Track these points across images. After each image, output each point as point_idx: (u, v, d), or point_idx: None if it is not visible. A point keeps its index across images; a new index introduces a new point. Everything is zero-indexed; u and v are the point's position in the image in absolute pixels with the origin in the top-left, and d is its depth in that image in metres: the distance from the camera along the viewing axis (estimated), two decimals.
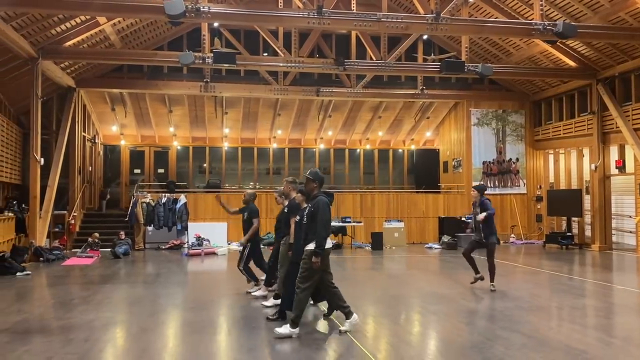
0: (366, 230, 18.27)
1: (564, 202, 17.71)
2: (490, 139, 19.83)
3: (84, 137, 18.18)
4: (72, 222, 16.58)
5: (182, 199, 17.09)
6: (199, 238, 16.12)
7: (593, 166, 16.75)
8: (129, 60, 16.34)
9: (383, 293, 9.21)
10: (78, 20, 13.68)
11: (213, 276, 12.01)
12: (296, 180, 7.84)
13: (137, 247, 16.31)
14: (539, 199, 19.49)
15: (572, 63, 16.53)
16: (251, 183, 21.74)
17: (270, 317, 6.88)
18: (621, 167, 16.05)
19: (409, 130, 22.22)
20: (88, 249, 15.00)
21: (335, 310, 6.90)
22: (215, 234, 16.51)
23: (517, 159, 19.90)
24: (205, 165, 21.66)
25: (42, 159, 14.23)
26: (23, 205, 14.97)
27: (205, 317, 7.19)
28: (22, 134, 16.57)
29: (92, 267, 12.63)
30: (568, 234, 17.18)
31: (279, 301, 7.34)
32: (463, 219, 18.48)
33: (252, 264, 8.93)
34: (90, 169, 18.91)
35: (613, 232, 16.63)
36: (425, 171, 22.46)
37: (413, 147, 23.01)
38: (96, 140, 19.66)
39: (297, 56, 15.21)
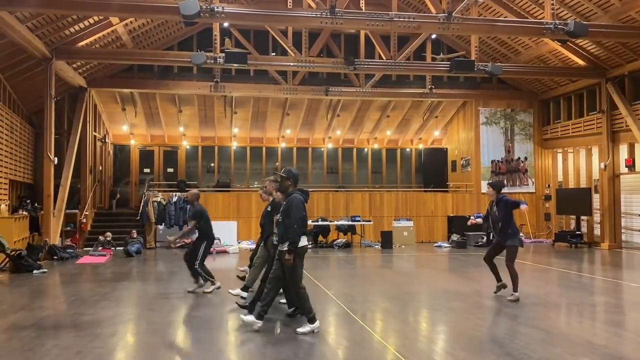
0: (375, 229, 18.35)
1: (573, 200, 17.74)
2: (499, 137, 19.88)
3: (95, 136, 18.32)
4: (84, 221, 16.71)
5: None
6: None
7: (602, 165, 16.79)
8: (140, 61, 16.48)
9: (399, 290, 9.28)
10: (91, 20, 13.80)
11: (226, 274, 12.05)
12: (278, 180, 7.89)
13: (148, 246, 16.46)
14: (547, 197, 19.53)
15: (581, 62, 16.56)
16: (257, 182, 21.81)
17: (290, 314, 6.98)
18: (631, 165, 16.09)
19: (417, 129, 22.28)
20: (100, 248, 15.16)
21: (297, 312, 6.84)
22: (226, 233, 16.65)
23: (526, 158, 19.95)
24: (212, 164, 21.76)
25: (56, 159, 14.36)
26: (35, 204, 15.12)
27: (228, 313, 7.30)
28: (34, 133, 16.72)
29: (106, 265, 12.75)
30: (577, 232, 17.22)
31: (245, 294, 7.97)
32: (471, 218, 18.48)
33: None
34: (100, 169, 19.05)
35: (622, 230, 16.67)
36: (433, 170, 22.50)
37: (421, 146, 23.06)
38: (106, 140, 19.79)
39: (308, 56, 15.29)
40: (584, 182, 18.03)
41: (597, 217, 17.41)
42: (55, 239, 14.32)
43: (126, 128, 20.27)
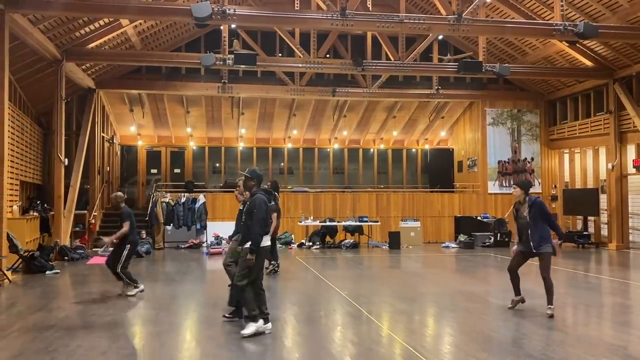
0: (382, 230, 18.39)
1: (580, 201, 17.77)
2: (505, 138, 19.91)
3: (103, 137, 18.39)
4: (93, 221, 16.78)
5: (201, 198, 17.25)
6: (217, 237, 16.31)
7: (610, 165, 16.82)
8: (149, 62, 16.55)
9: (412, 291, 9.33)
10: (102, 22, 13.86)
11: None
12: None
13: (157, 247, 16.53)
14: (554, 198, 19.56)
15: (588, 63, 16.59)
16: (267, 184, 21.84)
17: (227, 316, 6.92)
18: (638, 166, 16.11)
19: (423, 130, 22.32)
20: (110, 248, 15.17)
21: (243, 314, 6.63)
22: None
23: (532, 159, 19.98)
24: (218, 165, 21.81)
25: (66, 160, 14.43)
26: (45, 205, 15.18)
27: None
28: (43, 134, 16.79)
29: None
30: (585, 233, 17.25)
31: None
32: (478, 218, 18.60)
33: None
34: (108, 169, 19.12)
35: (630, 231, 16.70)
36: (439, 171, 22.54)
37: (427, 146, 23.09)
38: (114, 141, 19.86)
39: (316, 57, 15.34)
40: (591, 183, 18.06)
41: (604, 217, 17.44)
42: (65, 239, 14.38)
43: (134, 129, 20.34)
